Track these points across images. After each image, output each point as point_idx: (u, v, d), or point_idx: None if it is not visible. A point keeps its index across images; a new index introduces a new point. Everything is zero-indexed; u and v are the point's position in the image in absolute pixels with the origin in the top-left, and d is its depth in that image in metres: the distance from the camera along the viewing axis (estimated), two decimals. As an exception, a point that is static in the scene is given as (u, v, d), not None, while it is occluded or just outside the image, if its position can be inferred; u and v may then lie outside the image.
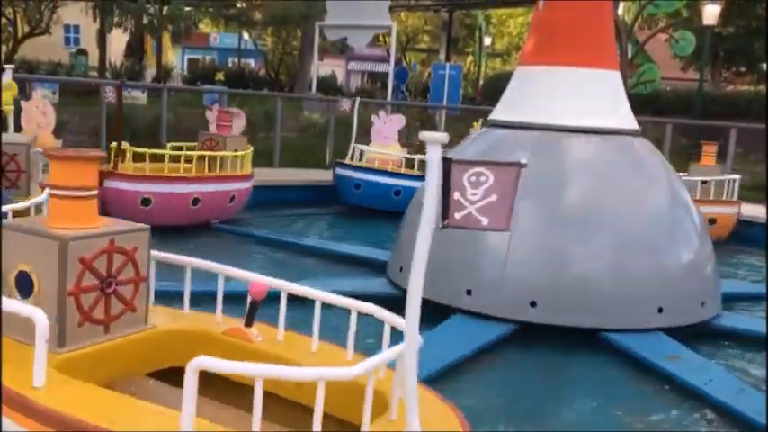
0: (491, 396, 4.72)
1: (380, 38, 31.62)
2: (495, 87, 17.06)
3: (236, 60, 36.56)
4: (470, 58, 41.01)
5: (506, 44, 44.25)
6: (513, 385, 4.93)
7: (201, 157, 8.68)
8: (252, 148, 9.52)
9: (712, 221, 9.34)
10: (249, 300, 2.92)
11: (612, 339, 5.38)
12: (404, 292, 5.75)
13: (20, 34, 25.42)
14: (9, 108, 7.10)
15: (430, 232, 2.15)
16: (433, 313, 5.27)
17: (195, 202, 8.42)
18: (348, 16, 17.75)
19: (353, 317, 2.84)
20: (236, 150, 9.02)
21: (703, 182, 9.71)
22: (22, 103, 8.91)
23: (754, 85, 30.08)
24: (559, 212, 5.67)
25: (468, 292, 5.66)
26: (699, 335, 5.77)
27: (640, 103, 17.24)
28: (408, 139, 15.05)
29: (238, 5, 27.56)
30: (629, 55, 16.46)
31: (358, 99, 12.71)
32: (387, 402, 2.45)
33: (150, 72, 26.03)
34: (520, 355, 5.32)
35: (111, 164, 7.93)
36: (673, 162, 11.58)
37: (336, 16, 18.15)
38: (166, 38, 29.13)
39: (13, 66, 8.32)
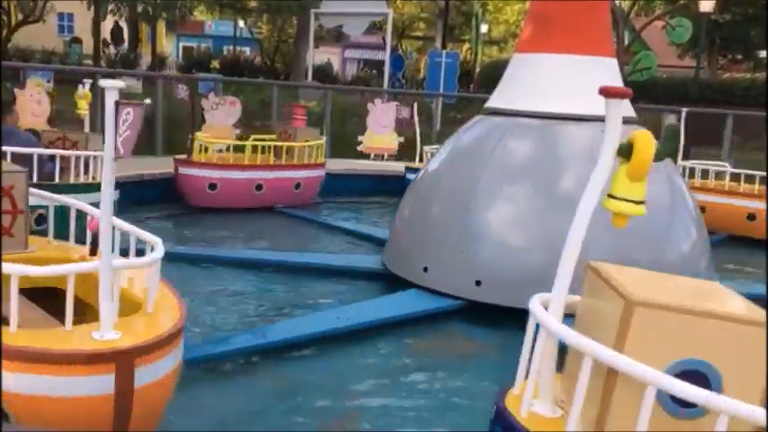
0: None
1: (377, 25, 31.48)
2: (492, 75, 17.04)
3: (231, 48, 36.40)
4: (467, 45, 40.91)
5: (503, 32, 44.13)
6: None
7: (276, 147, 9.41)
8: (324, 139, 10.26)
9: (751, 217, 9.17)
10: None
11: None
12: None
13: (13, 22, 25.26)
14: (84, 113, 8.06)
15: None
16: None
17: (258, 187, 9.14)
18: (344, 4, 17.66)
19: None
20: (306, 141, 9.66)
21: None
22: (16, 91, 8.87)
23: (751, 72, 30.09)
24: (555, 198, 5.66)
25: (478, 283, 5.68)
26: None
27: (637, 90, 17.23)
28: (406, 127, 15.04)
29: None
30: (626, 42, 16.40)
31: (415, 105, 12.83)
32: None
33: (145, 60, 25.91)
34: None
35: (188, 154, 8.95)
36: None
37: (332, 4, 18.06)
38: (161, 26, 28.99)
39: (90, 80, 8.70)
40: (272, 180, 9.28)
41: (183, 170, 8.85)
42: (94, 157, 6.48)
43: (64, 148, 6.68)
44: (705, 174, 9.94)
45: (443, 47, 30.95)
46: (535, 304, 2.40)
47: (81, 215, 3.90)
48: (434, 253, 5.91)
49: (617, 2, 18.42)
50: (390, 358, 4.81)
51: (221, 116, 10.41)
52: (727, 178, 9.75)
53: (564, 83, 5.96)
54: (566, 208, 5.54)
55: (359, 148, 13.22)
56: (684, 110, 10.52)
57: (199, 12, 38.31)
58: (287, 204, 9.44)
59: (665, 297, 2.16)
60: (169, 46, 38.24)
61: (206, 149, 9.43)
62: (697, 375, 2.05)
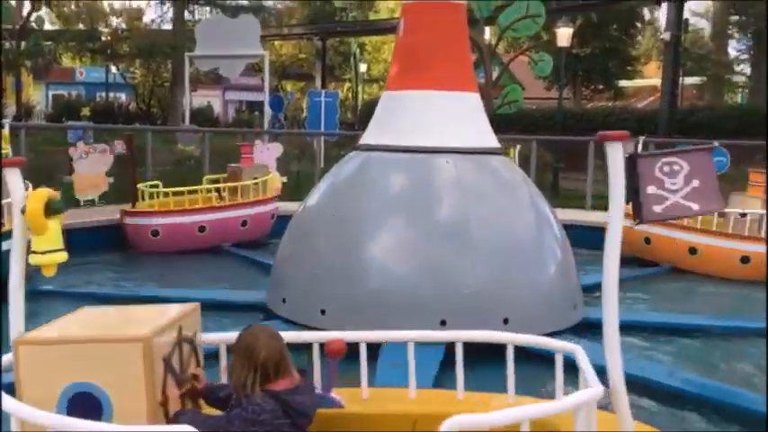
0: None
1: (255, 67, 31.48)
2: (373, 113, 17.36)
3: (103, 94, 35.20)
4: (347, 84, 41.59)
5: (382, 70, 45.21)
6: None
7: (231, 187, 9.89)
8: (271, 174, 10.60)
9: (745, 260, 8.60)
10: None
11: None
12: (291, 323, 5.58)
13: None
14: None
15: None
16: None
17: (202, 229, 9.45)
18: (218, 46, 17.54)
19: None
20: (255, 179, 9.99)
21: (742, 214, 8.84)
22: None
23: (612, 100, 32.30)
24: (430, 230, 5.82)
25: (322, 312, 5.70)
26: (580, 331, 6.03)
27: (508, 122, 18.08)
28: (287, 167, 15.03)
29: (103, 38, 26.63)
30: (494, 77, 17.21)
31: (534, 142, 12.77)
32: None
33: (10, 110, 24.60)
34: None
35: (131, 204, 9.50)
36: (538, 176, 12.24)
37: (206, 46, 17.89)
38: (26, 74, 27.68)
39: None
40: (215, 221, 9.63)
41: (127, 220, 9.49)
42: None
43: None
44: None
45: (323, 86, 31.36)
46: None
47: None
48: (331, 291, 5.85)
49: (488, 39, 19.32)
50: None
51: (91, 164, 10.05)
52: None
53: (429, 118, 6.19)
54: (439, 237, 5.75)
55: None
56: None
57: (68, 59, 36.91)
58: (236, 242, 9.77)
59: (60, 331, 2.29)
60: (38, 95, 36.51)
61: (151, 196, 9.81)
62: (89, 398, 2.17)
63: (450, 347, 2.96)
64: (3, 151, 8.45)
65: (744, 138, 18.69)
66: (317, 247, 6.15)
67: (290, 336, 2.61)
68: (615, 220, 2.30)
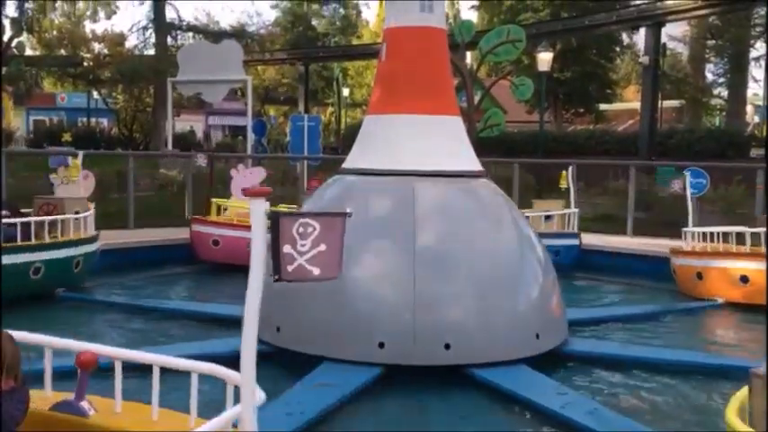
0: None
1: (237, 92, 31.52)
2: (356, 137, 17.42)
3: (85, 120, 35.03)
4: (330, 108, 41.78)
5: (365, 94, 45.49)
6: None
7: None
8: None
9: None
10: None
11: (475, 374, 5.52)
12: (272, 347, 5.60)
13: None
14: (75, 179, 9.59)
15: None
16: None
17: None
18: (201, 71, 17.55)
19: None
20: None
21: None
22: None
23: (593, 123, 32.65)
24: (413, 254, 5.81)
25: (381, 345, 5.63)
26: (551, 361, 6.05)
27: (491, 145, 18.21)
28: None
29: (84, 64, 26.56)
30: (476, 101, 17.36)
31: (516, 165, 13.29)
32: None
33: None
34: (388, 398, 5.35)
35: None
36: (521, 198, 12.33)
37: (189, 71, 17.89)
38: (6, 99, 27.52)
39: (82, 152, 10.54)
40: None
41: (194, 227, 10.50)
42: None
43: (49, 213, 8.37)
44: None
45: (306, 111, 31.44)
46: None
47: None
48: (316, 315, 5.81)
49: (469, 63, 19.52)
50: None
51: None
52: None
53: (411, 142, 6.21)
54: (426, 262, 5.74)
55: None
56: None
57: (49, 84, 36.76)
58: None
59: None
60: (18, 120, 36.29)
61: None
62: None
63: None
64: (73, 179, 9.56)
65: (722, 159, 18.98)
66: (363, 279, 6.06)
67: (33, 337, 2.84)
68: (254, 274, 2.23)
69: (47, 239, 7.87)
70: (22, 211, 8.53)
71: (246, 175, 13.39)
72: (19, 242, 7.54)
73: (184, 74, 18.09)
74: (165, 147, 19.89)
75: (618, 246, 11.49)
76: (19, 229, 7.72)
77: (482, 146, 13.52)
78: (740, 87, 29.06)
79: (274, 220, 2.22)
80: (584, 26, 23.29)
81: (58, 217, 8.27)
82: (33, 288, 7.64)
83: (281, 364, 5.79)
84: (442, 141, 6.30)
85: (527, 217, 10.20)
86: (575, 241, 11.15)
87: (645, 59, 21.04)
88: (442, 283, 5.73)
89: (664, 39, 23.79)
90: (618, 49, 31.89)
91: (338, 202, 6.35)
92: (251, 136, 19.47)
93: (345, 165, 6.78)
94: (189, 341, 6.58)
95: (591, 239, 11.46)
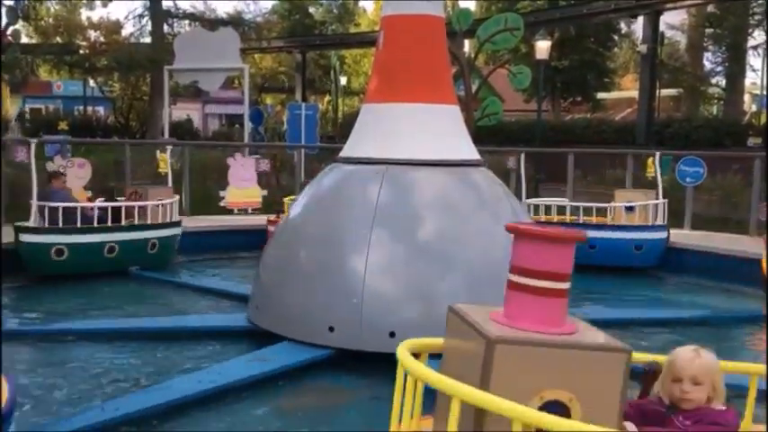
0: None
1: (234, 80, 31.40)
2: (353, 125, 17.38)
3: (81, 108, 34.90)
4: (328, 97, 41.66)
5: (363, 83, 45.37)
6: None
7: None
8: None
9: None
10: None
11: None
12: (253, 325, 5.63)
13: None
14: (164, 170, 10.99)
15: None
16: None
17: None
18: (197, 59, 17.47)
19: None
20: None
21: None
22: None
23: (590, 112, 32.64)
24: (412, 243, 5.80)
25: (331, 329, 5.65)
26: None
27: (488, 134, 18.18)
28: (268, 180, 14.96)
29: (81, 52, 26.44)
30: (473, 89, 17.32)
31: (523, 153, 11.74)
32: None
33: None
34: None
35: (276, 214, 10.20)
36: (520, 188, 12.20)
37: (185, 60, 17.81)
38: (5, 88, 27.42)
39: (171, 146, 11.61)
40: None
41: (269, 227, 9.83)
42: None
43: (135, 199, 9.39)
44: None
45: (303, 99, 31.36)
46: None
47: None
48: (306, 302, 5.84)
49: (467, 52, 19.45)
50: (266, 419, 4.65)
51: (69, 179, 9.91)
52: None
53: (410, 130, 6.19)
54: (427, 253, 5.73)
55: (221, 203, 12.98)
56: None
57: (45, 72, 36.59)
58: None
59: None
60: (14, 108, 36.15)
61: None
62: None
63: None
64: (162, 169, 10.74)
65: (719, 148, 18.99)
66: (298, 260, 6.12)
67: None
68: None
69: (123, 222, 8.93)
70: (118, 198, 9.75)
71: (243, 164, 13.40)
72: (95, 224, 8.68)
73: (181, 62, 18.02)
74: (161, 135, 19.84)
75: (705, 245, 10.02)
76: (96, 213, 8.82)
77: (479, 135, 13.51)
78: (738, 76, 29.04)
79: None
80: (581, 14, 23.26)
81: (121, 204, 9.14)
82: (108, 265, 8.64)
83: (256, 342, 5.95)
84: (439, 130, 6.27)
85: (607, 209, 10.11)
86: (661, 234, 9.91)
87: (643, 48, 21.05)
88: (440, 275, 5.72)
89: (662, 27, 23.78)
90: (616, 37, 31.90)
91: (335, 190, 6.34)
92: (248, 125, 19.40)
93: (342, 153, 6.75)
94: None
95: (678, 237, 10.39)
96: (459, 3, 37.19)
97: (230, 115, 40.76)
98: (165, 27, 25.94)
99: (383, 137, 6.31)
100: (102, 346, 6.01)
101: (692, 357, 2.32)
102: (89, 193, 10.57)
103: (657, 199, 10.21)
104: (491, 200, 6.34)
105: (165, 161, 11.01)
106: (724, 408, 2.32)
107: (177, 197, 10.02)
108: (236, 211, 12.99)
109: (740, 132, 22.11)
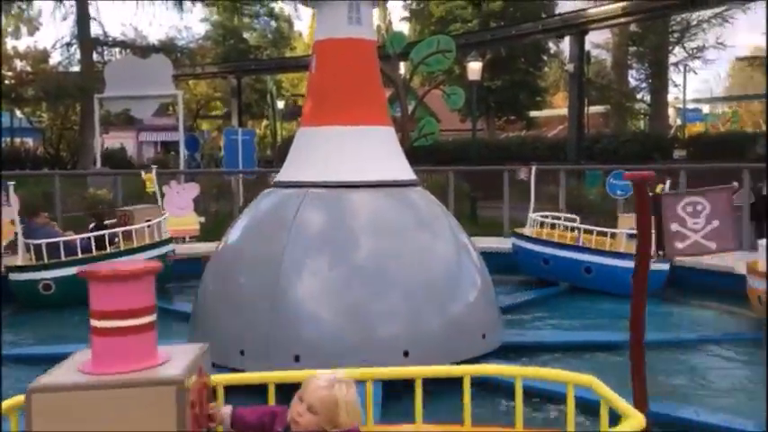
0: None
1: (168, 107, 30.93)
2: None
3: (9, 140, 33.77)
4: (265, 121, 41.45)
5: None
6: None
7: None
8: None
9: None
10: None
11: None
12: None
13: None
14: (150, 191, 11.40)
15: None
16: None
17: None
18: (129, 87, 17.19)
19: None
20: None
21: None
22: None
23: (525, 130, 33.42)
24: (349, 266, 5.81)
25: (242, 353, 5.60)
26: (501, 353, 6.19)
27: (425, 154, 18.41)
28: (205, 207, 14.75)
29: (6, 82, 25.63)
30: (410, 110, 17.54)
31: (534, 166, 11.20)
32: None
33: None
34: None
35: None
36: (455, 205, 12.39)
37: (116, 87, 17.50)
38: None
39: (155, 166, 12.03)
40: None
41: None
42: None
43: (123, 223, 9.84)
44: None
45: (240, 124, 31.13)
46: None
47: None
48: (248, 330, 5.75)
49: (401, 74, 19.68)
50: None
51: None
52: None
53: (344, 153, 6.22)
54: (362, 275, 5.74)
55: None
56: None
57: (-31, 103, 35.29)
58: None
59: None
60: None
61: None
62: None
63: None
64: (148, 190, 10.94)
65: (647, 162, 19.71)
66: (235, 287, 6.04)
67: None
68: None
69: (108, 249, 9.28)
70: (105, 222, 10.15)
71: (180, 191, 13.18)
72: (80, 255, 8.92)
73: (112, 90, 17.69)
74: (93, 165, 19.34)
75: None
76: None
77: (417, 155, 13.66)
78: (661, 92, 30.28)
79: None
80: (511, 35, 23.88)
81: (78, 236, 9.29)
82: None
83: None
84: (373, 151, 6.33)
85: (609, 235, 9.41)
86: (662, 266, 8.83)
87: (570, 67, 21.72)
88: (379, 296, 5.73)
89: (588, 47, 24.60)
90: (545, 57, 32.80)
91: (273, 214, 6.30)
92: (183, 151, 19.14)
93: (279, 178, 6.73)
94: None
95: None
96: (393, 26, 37.70)
97: (166, 142, 40.13)
98: (95, 55, 25.40)
99: (317, 160, 6.33)
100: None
101: (320, 387, 2.30)
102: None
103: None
104: (428, 218, 6.41)
105: (152, 181, 11.50)
106: None
107: (166, 215, 10.43)
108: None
109: (666, 146, 23.00)
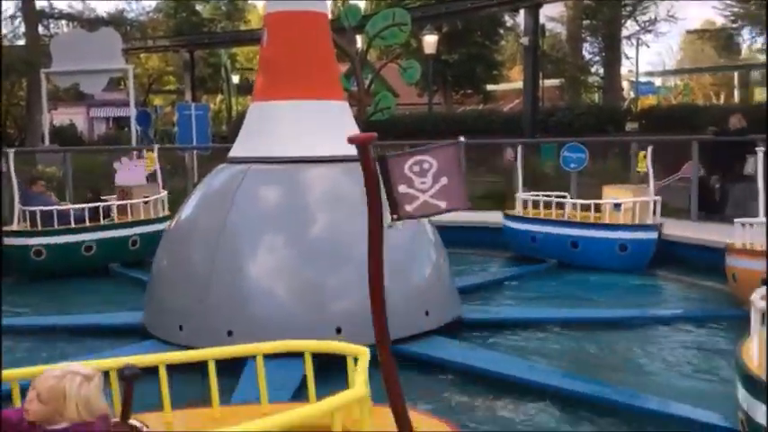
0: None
1: (119, 82, 30.18)
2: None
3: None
4: (220, 96, 40.73)
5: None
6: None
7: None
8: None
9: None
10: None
11: (402, 349, 5.43)
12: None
13: None
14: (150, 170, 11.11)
15: None
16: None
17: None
18: (77, 61, 16.70)
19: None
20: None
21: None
22: None
23: (482, 103, 33.52)
24: (286, 241, 5.79)
25: (230, 333, 5.54)
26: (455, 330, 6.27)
27: (383, 128, 18.32)
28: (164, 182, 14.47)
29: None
30: (366, 85, 17.41)
31: (520, 146, 10.94)
32: None
33: None
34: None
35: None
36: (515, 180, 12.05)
37: (64, 62, 16.98)
38: None
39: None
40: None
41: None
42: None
43: (123, 198, 10.07)
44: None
45: (194, 99, 30.53)
46: None
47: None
48: (186, 306, 5.75)
49: (357, 48, 19.51)
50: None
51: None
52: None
53: (297, 128, 6.17)
54: (317, 250, 5.72)
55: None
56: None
57: None
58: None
59: None
60: None
61: None
62: None
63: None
64: (149, 168, 11.01)
65: (600, 134, 20.01)
66: (178, 262, 6.04)
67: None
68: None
69: (101, 221, 9.56)
70: (103, 197, 10.39)
71: (131, 168, 12.90)
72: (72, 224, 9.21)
73: (59, 64, 17.16)
74: (41, 142, 18.82)
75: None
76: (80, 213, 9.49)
77: (373, 129, 13.50)
78: (614, 65, 30.64)
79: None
80: (467, 9, 23.78)
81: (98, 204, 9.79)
82: (87, 263, 9.17)
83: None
84: (326, 126, 6.27)
85: (595, 206, 9.29)
86: (650, 234, 8.92)
87: (525, 40, 21.79)
88: (332, 271, 5.73)
89: (542, 20, 24.72)
90: (501, 30, 32.83)
91: (226, 191, 6.23)
92: (135, 127, 18.73)
93: (231, 153, 6.66)
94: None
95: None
96: (349, -2, 37.29)
97: (118, 118, 39.18)
98: (41, 28, 24.59)
99: (271, 135, 6.27)
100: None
101: (50, 377, 2.28)
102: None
103: (649, 196, 9.31)
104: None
105: (153, 159, 11.56)
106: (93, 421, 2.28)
107: (164, 193, 10.54)
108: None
109: (619, 119, 23.34)
